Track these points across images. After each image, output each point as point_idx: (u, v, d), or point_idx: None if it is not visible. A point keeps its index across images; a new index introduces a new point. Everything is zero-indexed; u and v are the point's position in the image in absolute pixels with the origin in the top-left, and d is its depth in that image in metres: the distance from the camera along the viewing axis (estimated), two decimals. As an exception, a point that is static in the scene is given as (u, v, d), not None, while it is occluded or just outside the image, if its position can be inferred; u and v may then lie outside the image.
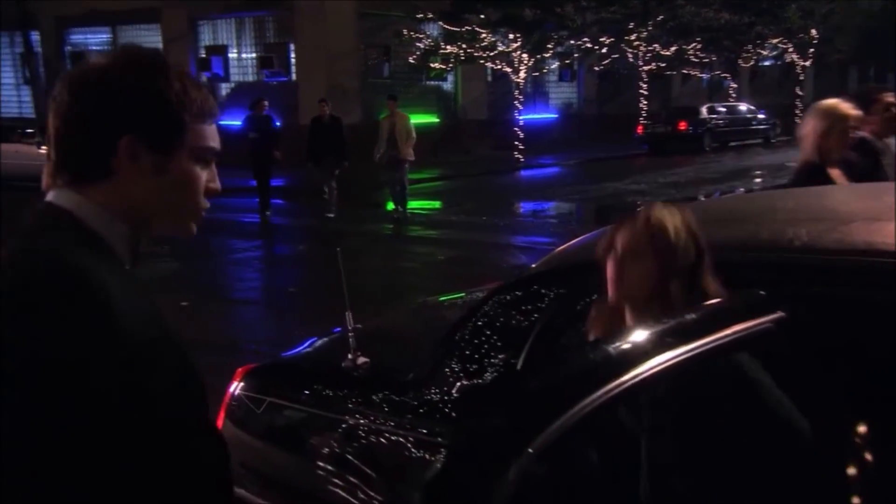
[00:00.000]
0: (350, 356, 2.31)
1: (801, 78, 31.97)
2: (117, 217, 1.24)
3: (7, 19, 22.43)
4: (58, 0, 23.02)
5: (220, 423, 2.38)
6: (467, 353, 1.86)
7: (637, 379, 1.25)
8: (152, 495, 1.17)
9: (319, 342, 2.77)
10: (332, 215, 12.80)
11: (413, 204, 14.39)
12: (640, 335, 1.33)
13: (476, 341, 1.89)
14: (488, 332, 1.92)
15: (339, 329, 2.86)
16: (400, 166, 12.81)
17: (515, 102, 22.09)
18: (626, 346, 1.31)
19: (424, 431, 1.95)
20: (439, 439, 1.86)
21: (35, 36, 21.89)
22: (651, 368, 1.26)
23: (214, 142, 1.31)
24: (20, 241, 1.18)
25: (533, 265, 2.01)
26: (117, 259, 1.23)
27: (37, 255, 1.14)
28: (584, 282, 1.87)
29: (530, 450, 1.24)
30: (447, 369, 1.97)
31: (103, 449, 1.10)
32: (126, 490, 1.13)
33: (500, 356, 1.85)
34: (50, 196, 1.23)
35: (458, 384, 1.88)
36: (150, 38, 23.01)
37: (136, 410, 1.13)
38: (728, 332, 1.29)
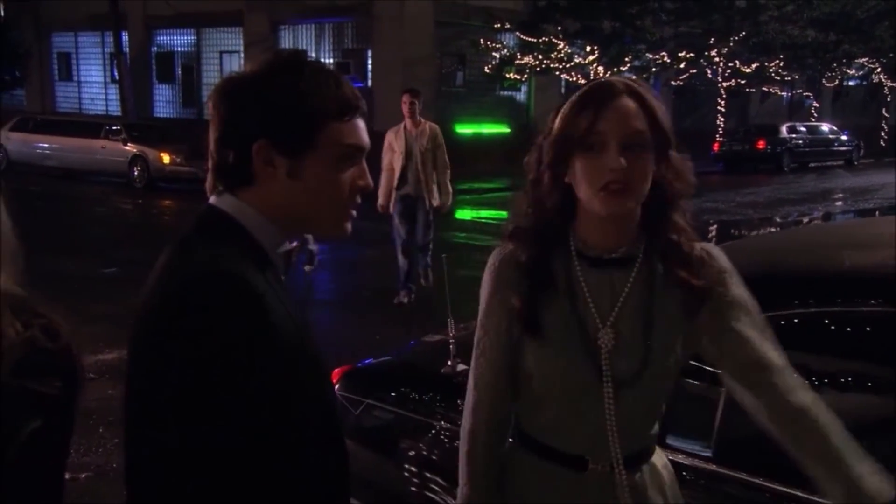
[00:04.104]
0: (450, 362, 2.30)
1: (889, 99, 30.90)
2: (271, 221, 1.25)
3: (98, 19, 23.34)
4: (146, 1, 23.86)
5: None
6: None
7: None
8: (273, 493, 1.18)
9: (415, 348, 2.76)
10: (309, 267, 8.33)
11: (484, 213, 14.37)
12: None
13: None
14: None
15: (414, 342, 2.84)
16: (424, 214, 7.42)
17: (589, 115, 21.87)
18: None
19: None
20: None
21: (124, 36, 22.68)
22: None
23: (358, 138, 1.28)
24: (182, 246, 1.22)
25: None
26: (272, 264, 1.25)
27: (197, 261, 1.17)
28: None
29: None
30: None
31: (241, 444, 1.13)
32: (250, 483, 1.15)
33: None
34: (212, 199, 1.27)
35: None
36: (233, 41, 23.63)
37: (274, 415, 1.15)
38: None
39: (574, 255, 1.44)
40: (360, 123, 1.29)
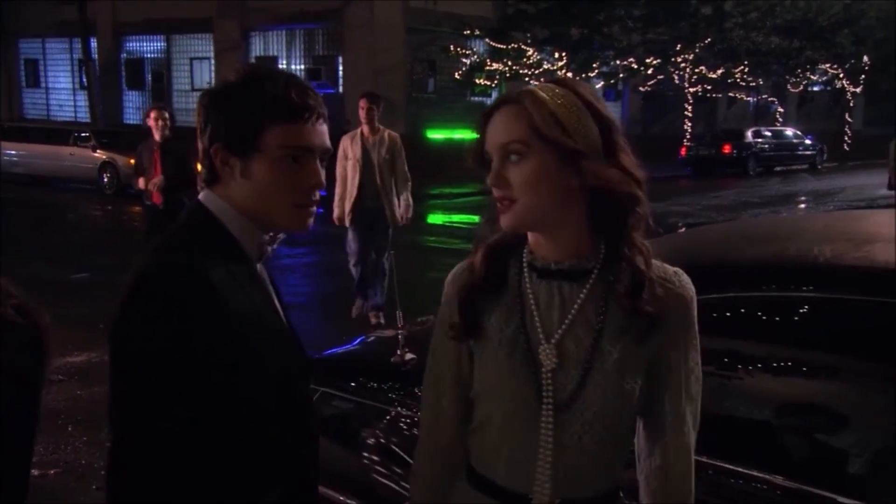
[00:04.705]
0: (399, 352, 2.44)
1: (851, 105, 31.54)
2: (242, 214, 1.38)
3: (66, 26, 23.19)
4: (115, 6, 23.74)
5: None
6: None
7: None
8: (230, 465, 1.30)
9: (368, 340, 2.91)
10: None
11: (455, 217, 14.51)
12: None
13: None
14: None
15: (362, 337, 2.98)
16: (383, 228, 6.75)
17: (559, 120, 22.15)
18: None
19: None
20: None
21: (92, 42, 22.55)
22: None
23: (308, 140, 1.37)
24: (158, 240, 1.37)
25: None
26: (243, 253, 1.37)
27: (156, 255, 1.32)
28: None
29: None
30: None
31: (198, 418, 1.25)
32: (208, 449, 1.27)
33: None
34: (200, 195, 1.42)
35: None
36: (203, 47, 23.55)
37: (227, 391, 1.28)
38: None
39: (525, 267, 1.36)
40: (317, 126, 1.38)
